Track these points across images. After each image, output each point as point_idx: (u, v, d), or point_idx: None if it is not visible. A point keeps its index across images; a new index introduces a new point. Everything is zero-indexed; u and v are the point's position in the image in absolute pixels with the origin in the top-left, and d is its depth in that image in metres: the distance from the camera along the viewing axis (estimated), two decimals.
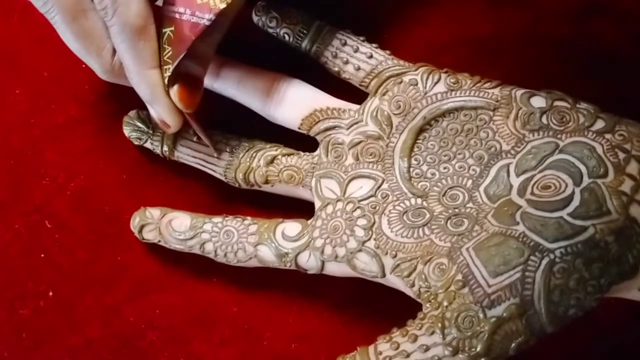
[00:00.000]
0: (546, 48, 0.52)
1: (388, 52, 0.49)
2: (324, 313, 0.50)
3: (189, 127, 0.50)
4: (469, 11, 0.53)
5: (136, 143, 0.51)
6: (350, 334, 0.49)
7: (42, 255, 0.51)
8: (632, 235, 0.39)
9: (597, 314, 0.42)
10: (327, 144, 0.48)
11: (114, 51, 0.45)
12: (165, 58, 0.44)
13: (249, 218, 0.48)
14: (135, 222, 0.49)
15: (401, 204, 0.45)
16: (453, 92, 0.46)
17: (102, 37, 0.44)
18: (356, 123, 0.48)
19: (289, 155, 0.49)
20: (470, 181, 0.45)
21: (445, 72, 0.47)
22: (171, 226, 0.48)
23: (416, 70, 0.48)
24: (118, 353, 0.50)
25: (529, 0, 0.53)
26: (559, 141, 0.43)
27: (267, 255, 0.47)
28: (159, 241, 0.49)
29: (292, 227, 0.47)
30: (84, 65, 0.47)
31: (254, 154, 0.49)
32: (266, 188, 0.49)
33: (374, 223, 0.45)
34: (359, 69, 0.48)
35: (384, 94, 0.48)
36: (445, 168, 0.46)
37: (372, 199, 0.46)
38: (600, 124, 0.43)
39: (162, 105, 0.45)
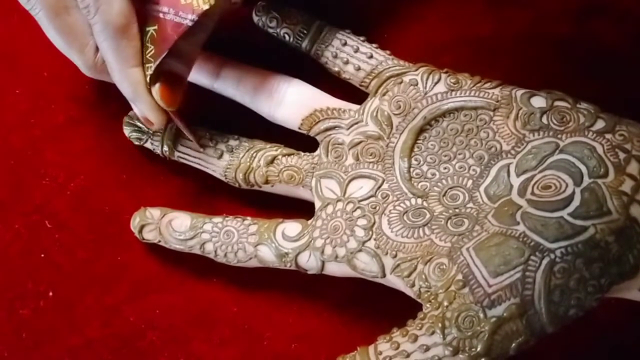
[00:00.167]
0: (546, 48, 0.52)
1: (388, 52, 0.49)
2: (324, 313, 0.50)
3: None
4: (468, 11, 0.53)
5: (136, 143, 0.51)
6: (350, 334, 0.49)
7: (42, 255, 0.51)
8: (632, 235, 0.39)
9: (597, 314, 0.41)
10: (327, 144, 0.48)
11: (97, 48, 0.45)
12: (147, 56, 0.44)
13: (249, 218, 0.48)
14: (135, 222, 0.49)
15: (401, 204, 0.45)
16: (453, 92, 0.46)
17: (84, 34, 0.45)
18: (356, 123, 0.48)
19: (289, 155, 0.49)
20: (470, 181, 0.45)
21: (446, 72, 0.47)
22: (171, 226, 0.48)
23: (416, 70, 0.48)
24: (118, 353, 0.50)
25: (529, 0, 0.53)
26: (559, 141, 0.43)
27: (267, 255, 0.47)
28: (159, 241, 0.49)
29: (292, 227, 0.47)
30: None
31: (254, 154, 0.49)
32: (266, 188, 0.49)
33: (374, 223, 0.45)
34: (359, 69, 0.48)
35: (384, 94, 0.48)
36: (445, 168, 0.46)
37: (372, 199, 0.46)
38: (600, 124, 0.43)
39: (145, 103, 0.46)
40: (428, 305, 0.41)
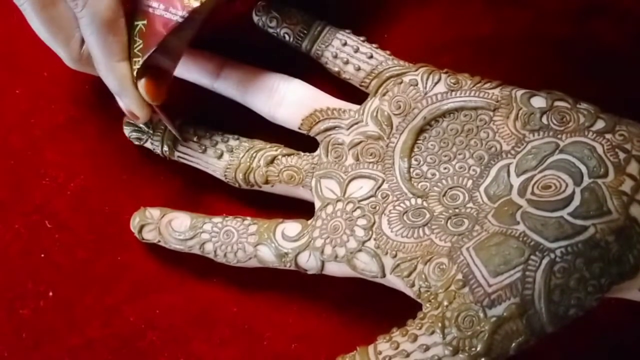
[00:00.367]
0: (546, 48, 0.52)
1: (388, 52, 0.49)
2: (324, 313, 0.50)
3: (189, 127, 0.50)
4: (469, 11, 0.53)
5: (136, 143, 0.51)
6: (350, 334, 0.49)
7: (42, 255, 0.51)
8: (632, 235, 0.39)
9: (597, 314, 0.41)
10: (327, 144, 0.48)
11: (83, 41, 0.45)
12: (135, 50, 0.44)
13: (248, 218, 0.48)
14: (135, 222, 0.49)
15: (401, 204, 0.45)
16: (453, 93, 0.46)
17: (70, 26, 0.44)
18: (356, 123, 0.48)
19: (289, 155, 0.49)
20: (470, 181, 0.45)
21: (446, 73, 0.47)
22: (171, 226, 0.48)
23: (416, 70, 0.48)
24: (118, 353, 0.50)
25: (529, 0, 0.53)
26: (559, 141, 0.43)
27: (267, 255, 0.47)
28: (159, 241, 0.49)
29: (292, 227, 0.47)
30: None
31: (254, 154, 0.49)
32: (266, 188, 0.49)
33: (374, 223, 0.45)
34: (359, 69, 0.48)
35: (384, 94, 0.48)
36: (445, 168, 0.46)
37: (372, 199, 0.46)
38: (600, 124, 0.43)
39: (130, 97, 0.46)
40: (428, 305, 0.41)
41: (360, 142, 0.47)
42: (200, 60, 0.50)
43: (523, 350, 0.39)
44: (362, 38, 0.49)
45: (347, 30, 0.50)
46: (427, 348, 0.39)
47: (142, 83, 0.45)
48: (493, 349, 0.38)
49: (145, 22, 0.44)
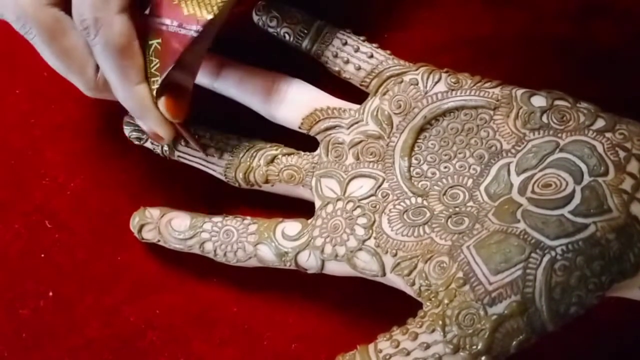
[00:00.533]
0: (546, 48, 0.52)
1: (388, 52, 0.49)
2: (324, 313, 0.50)
3: (189, 127, 0.50)
4: (468, 11, 0.53)
5: (136, 143, 0.51)
6: (350, 334, 0.49)
7: (42, 255, 0.51)
8: (633, 234, 0.39)
9: (598, 314, 0.41)
10: (328, 144, 0.48)
11: (97, 67, 0.44)
12: (152, 70, 0.44)
13: (248, 218, 0.48)
14: (134, 221, 0.49)
15: (401, 203, 0.45)
16: (453, 92, 0.46)
17: (84, 55, 0.43)
18: (356, 122, 0.48)
19: (289, 154, 0.49)
20: (470, 180, 0.45)
21: (446, 72, 0.47)
22: (171, 226, 0.48)
23: (417, 70, 0.48)
24: (118, 353, 0.50)
25: (529, 0, 0.53)
26: (560, 140, 0.43)
27: (266, 254, 0.46)
28: (159, 241, 0.49)
29: (292, 226, 0.47)
30: None
31: (254, 154, 0.49)
32: (266, 188, 0.49)
33: (374, 222, 0.45)
34: (359, 68, 0.48)
35: (384, 94, 0.48)
36: (445, 167, 0.46)
37: (373, 198, 0.46)
38: (600, 123, 0.43)
39: (153, 118, 0.45)
40: (428, 303, 0.41)
41: (361, 141, 0.47)
42: None
43: (524, 349, 0.39)
44: (362, 38, 0.49)
45: (347, 30, 0.50)
46: (428, 346, 0.39)
47: (162, 102, 0.44)
48: (494, 347, 0.38)
49: (159, 40, 0.44)
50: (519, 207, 0.41)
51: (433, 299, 0.40)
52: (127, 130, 0.51)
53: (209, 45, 0.46)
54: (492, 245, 0.40)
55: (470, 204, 0.44)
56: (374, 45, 0.49)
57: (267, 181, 0.48)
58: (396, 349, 0.40)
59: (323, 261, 0.45)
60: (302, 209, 0.49)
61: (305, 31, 0.50)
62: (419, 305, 0.42)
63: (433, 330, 0.39)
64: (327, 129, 0.48)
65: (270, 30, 0.51)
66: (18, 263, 0.51)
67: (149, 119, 0.45)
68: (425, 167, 0.46)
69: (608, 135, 0.42)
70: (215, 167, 0.50)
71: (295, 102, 0.49)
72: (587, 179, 0.41)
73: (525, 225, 0.40)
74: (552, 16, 0.53)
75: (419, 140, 0.47)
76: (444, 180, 0.46)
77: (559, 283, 0.38)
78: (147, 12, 0.45)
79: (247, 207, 0.51)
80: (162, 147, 0.50)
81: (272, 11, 0.50)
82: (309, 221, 0.47)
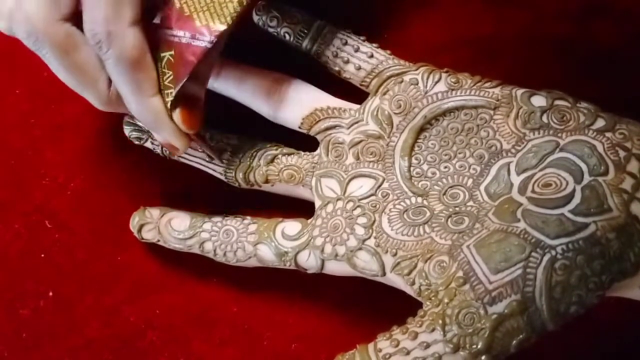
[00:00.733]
0: (546, 48, 0.52)
1: (389, 52, 0.49)
2: (324, 313, 0.50)
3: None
4: (468, 11, 0.53)
5: (136, 143, 0.51)
6: (350, 334, 0.49)
7: (42, 255, 0.51)
8: (633, 233, 0.39)
9: (598, 314, 0.41)
10: (328, 144, 0.48)
11: (110, 81, 0.44)
12: (166, 82, 0.44)
13: (248, 217, 0.48)
14: (134, 221, 0.49)
15: (401, 203, 0.45)
16: (454, 92, 0.46)
17: (96, 69, 0.43)
18: (357, 122, 0.48)
19: (289, 154, 0.49)
20: (470, 180, 0.45)
21: (446, 72, 0.47)
22: (170, 225, 0.49)
23: (417, 69, 0.48)
24: (118, 353, 0.50)
25: (529, 0, 0.53)
26: (560, 140, 0.43)
27: (266, 254, 0.46)
28: (158, 241, 0.49)
29: (292, 226, 0.47)
30: None
31: (254, 154, 0.49)
32: (266, 187, 0.49)
33: (374, 221, 0.45)
34: (359, 68, 0.48)
35: (384, 94, 0.48)
36: (445, 167, 0.46)
37: (373, 197, 0.46)
38: (600, 123, 0.43)
39: (168, 130, 0.45)
40: (428, 303, 0.41)
41: (361, 141, 0.47)
42: None
43: (523, 348, 0.39)
44: (362, 38, 0.49)
45: (348, 30, 0.50)
46: (428, 345, 0.39)
47: (177, 114, 0.44)
48: (494, 346, 0.38)
49: (172, 52, 0.43)
50: (519, 207, 0.41)
51: (433, 298, 0.40)
52: (127, 130, 0.51)
53: (218, 54, 0.46)
54: (492, 245, 0.40)
55: (470, 203, 0.44)
56: (374, 45, 0.49)
57: (267, 181, 0.48)
58: (396, 348, 0.40)
59: (323, 261, 0.45)
60: (302, 209, 0.49)
61: (306, 31, 0.50)
62: (419, 305, 0.42)
63: (433, 330, 0.39)
64: (327, 128, 0.48)
65: (271, 30, 0.51)
66: (18, 263, 0.51)
67: (164, 131, 0.45)
68: (425, 166, 0.46)
69: (608, 135, 0.42)
70: (215, 167, 0.50)
71: (295, 102, 0.49)
72: (587, 178, 0.41)
73: (525, 224, 0.40)
74: (553, 16, 0.53)
75: (419, 140, 0.47)
76: (444, 180, 0.46)
77: (559, 282, 0.38)
78: (156, 22, 0.45)
79: (247, 207, 0.51)
80: (162, 147, 0.50)
81: (272, 11, 0.50)
82: (309, 221, 0.47)
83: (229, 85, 0.50)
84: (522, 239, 0.39)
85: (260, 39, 0.52)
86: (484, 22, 0.53)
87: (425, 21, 0.54)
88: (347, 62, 0.49)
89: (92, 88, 0.44)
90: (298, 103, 0.49)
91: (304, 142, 0.49)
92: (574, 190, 0.40)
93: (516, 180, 0.43)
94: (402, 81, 0.47)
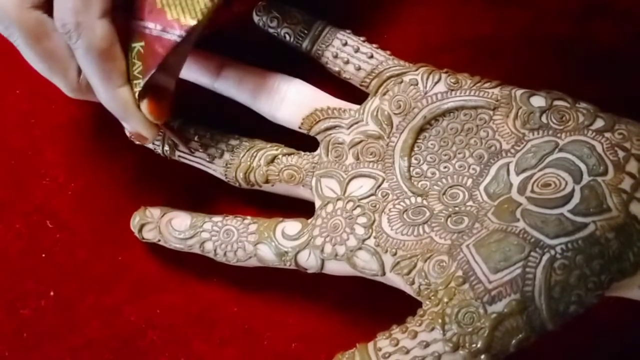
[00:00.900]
0: (546, 48, 0.52)
1: (388, 52, 0.49)
2: (324, 313, 0.50)
3: (189, 127, 0.50)
4: (468, 11, 0.53)
5: (137, 143, 0.51)
6: (350, 333, 0.49)
7: (43, 255, 0.51)
8: (632, 233, 0.39)
9: (598, 314, 0.42)
10: (328, 144, 0.48)
11: (80, 69, 0.44)
12: (135, 73, 0.44)
13: (248, 217, 0.48)
14: (135, 221, 0.49)
15: (401, 203, 0.45)
16: (453, 92, 0.46)
17: (66, 57, 0.44)
18: (356, 123, 0.48)
19: (289, 154, 0.49)
20: (470, 180, 0.45)
21: (446, 72, 0.47)
22: (171, 225, 0.49)
23: (416, 70, 0.48)
24: (118, 353, 0.50)
25: (529, 0, 0.53)
26: (559, 140, 0.43)
27: (266, 254, 0.47)
28: (159, 240, 0.49)
29: (292, 226, 0.47)
30: None
31: (254, 154, 0.49)
32: (266, 188, 0.49)
33: (374, 221, 0.45)
34: (359, 69, 0.48)
35: (384, 94, 0.48)
36: (445, 167, 0.46)
37: (372, 197, 0.46)
38: (599, 123, 0.43)
39: (136, 120, 0.45)
40: (428, 302, 0.41)
41: (361, 141, 0.47)
42: (200, 60, 0.50)
43: (523, 348, 0.39)
44: (362, 38, 0.49)
45: (348, 31, 0.50)
46: (427, 345, 0.39)
47: (144, 104, 0.44)
48: (493, 345, 0.38)
49: (142, 43, 0.43)
50: (519, 206, 0.41)
51: (432, 297, 0.41)
52: (127, 131, 0.51)
53: (190, 47, 0.46)
54: (491, 244, 0.40)
55: (470, 203, 0.44)
56: (374, 45, 0.49)
57: (267, 181, 0.48)
58: (395, 347, 0.40)
59: (323, 260, 0.45)
60: (302, 209, 0.49)
61: (306, 31, 0.50)
62: (419, 305, 0.42)
63: (432, 329, 0.39)
64: (327, 129, 0.48)
65: (271, 30, 0.51)
66: (19, 263, 0.51)
67: (132, 121, 0.45)
68: (425, 167, 0.46)
69: (607, 135, 0.42)
70: (215, 167, 0.50)
71: (295, 102, 0.49)
72: (586, 178, 0.41)
73: (524, 224, 0.40)
74: (553, 16, 0.53)
75: (418, 140, 0.47)
76: (443, 180, 0.46)
77: (558, 282, 0.38)
78: (129, 12, 0.44)
79: (247, 207, 0.51)
80: (162, 147, 0.50)
81: (272, 11, 0.50)
82: (309, 221, 0.47)
83: (229, 85, 0.50)
84: (521, 238, 0.39)
85: (260, 39, 0.52)
86: (483, 22, 0.53)
87: (425, 21, 0.54)
88: (347, 62, 0.49)
89: (62, 75, 0.44)
90: (298, 103, 0.49)
91: (304, 142, 0.49)
92: (573, 190, 0.40)
93: (515, 180, 0.43)
94: (401, 82, 0.47)
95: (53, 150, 0.53)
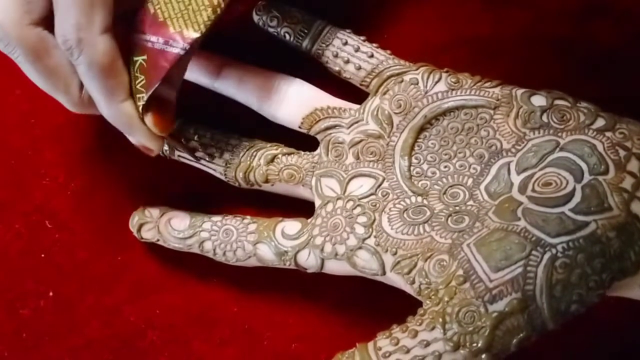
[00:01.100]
0: (546, 48, 0.52)
1: (389, 51, 0.49)
2: (324, 313, 0.50)
3: (189, 126, 0.50)
4: (468, 11, 0.53)
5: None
6: (350, 333, 0.49)
7: (43, 255, 0.51)
8: (633, 232, 0.39)
9: (598, 314, 0.42)
10: (328, 143, 0.48)
11: (82, 84, 0.44)
12: (138, 86, 0.43)
13: (248, 217, 0.48)
14: (134, 221, 0.49)
15: (401, 202, 0.45)
16: (454, 91, 0.46)
17: (68, 73, 0.43)
18: (357, 122, 0.48)
19: (289, 154, 0.49)
20: (470, 179, 0.45)
21: (446, 72, 0.47)
22: (170, 225, 0.49)
23: (417, 69, 0.48)
24: (118, 353, 0.50)
25: (529, 0, 0.53)
26: (560, 139, 0.43)
27: (266, 253, 0.46)
28: (158, 240, 0.49)
29: (291, 225, 0.47)
30: None
31: (254, 153, 0.49)
32: (266, 187, 0.49)
33: (374, 220, 0.45)
34: (359, 68, 0.48)
35: (384, 93, 0.48)
36: (445, 167, 0.46)
37: (373, 197, 0.46)
38: (600, 122, 0.43)
39: (141, 133, 0.45)
40: (428, 301, 0.41)
41: (361, 140, 0.47)
42: (200, 60, 0.50)
43: (524, 347, 0.39)
44: (362, 38, 0.49)
45: (348, 30, 0.50)
46: (428, 344, 0.39)
47: (149, 117, 0.44)
48: (494, 344, 0.38)
49: (145, 57, 0.43)
50: (520, 205, 0.41)
51: (433, 297, 0.40)
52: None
53: (190, 58, 0.46)
54: (492, 243, 0.40)
55: (471, 202, 0.44)
56: (374, 45, 0.49)
57: (267, 181, 0.48)
58: (395, 346, 0.40)
59: (323, 260, 0.45)
60: (302, 208, 0.49)
61: (306, 31, 0.50)
62: (419, 305, 0.42)
63: (433, 328, 0.39)
64: (327, 128, 0.48)
65: (271, 30, 0.51)
66: (18, 263, 0.51)
67: (137, 134, 0.45)
68: (425, 166, 0.46)
69: (608, 134, 0.42)
70: (215, 167, 0.50)
71: (295, 101, 0.49)
72: (587, 177, 0.41)
73: (525, 223, 0.40)
74: (552, 16, 0.53)
75: (419, 140, 0.47)
76: (444, 180, 0.46)
77: (559, 281, 0.38)
78: (131, 26, 0.44)
79: (247, 207, 0.51)
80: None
81: (272, 11, 0.50)
82: (309, 220, 0.47)
83: (229, 85, 0.50)
84: (522, 237, 0.39)
85: (260, 39, 0.52)
86: (483, 22, 0.53)
87: (425, 21, 0.54)
88: (347, 62, 0.49)
89: (64, 92, 0.44)
90: (298, 103, 0.49)
91: (304, 142, 0.49)
92: (574, 189, 0.40)
93: (516, 179, 0.43)
94: (402, 81, 0.47)
95: (53, 150, 0.53)
